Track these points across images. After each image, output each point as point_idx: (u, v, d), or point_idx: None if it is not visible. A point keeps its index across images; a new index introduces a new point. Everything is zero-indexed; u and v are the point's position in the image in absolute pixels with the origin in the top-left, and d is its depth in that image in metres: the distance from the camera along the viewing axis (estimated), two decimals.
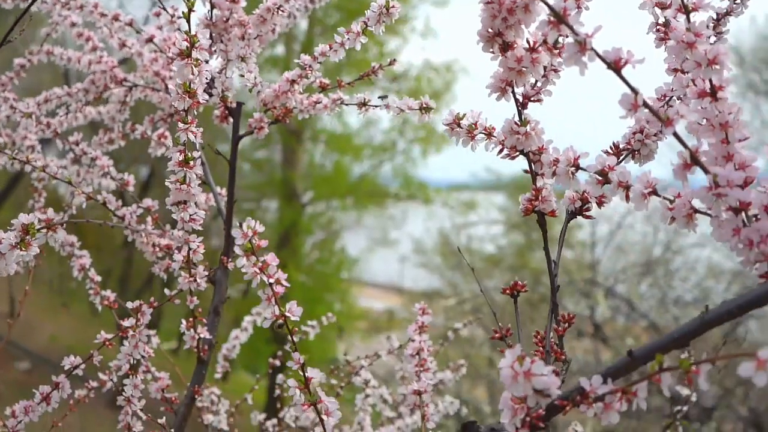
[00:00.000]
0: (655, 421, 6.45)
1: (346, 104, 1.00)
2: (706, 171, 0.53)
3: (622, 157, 0.72)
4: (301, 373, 0.67)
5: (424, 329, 1.02)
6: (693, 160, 0.54)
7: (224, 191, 1.14)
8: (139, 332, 0.93)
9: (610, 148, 0.72)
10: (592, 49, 0.52)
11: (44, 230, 0.68)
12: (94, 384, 1.18)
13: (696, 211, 0.57)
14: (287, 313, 0.66)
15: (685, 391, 1.13)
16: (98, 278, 1.13)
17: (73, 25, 1.22)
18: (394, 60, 1.04)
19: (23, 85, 1.44)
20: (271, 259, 0.65)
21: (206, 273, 0.95)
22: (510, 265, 9.37)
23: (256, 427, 1.39)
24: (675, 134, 0.53)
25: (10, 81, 1.35)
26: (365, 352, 1.49)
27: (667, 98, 0.72)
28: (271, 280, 0.65)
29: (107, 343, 0.96)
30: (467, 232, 10.06)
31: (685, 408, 1.09)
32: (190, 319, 1.00)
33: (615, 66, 0.52)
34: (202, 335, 1.01)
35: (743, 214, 0.54)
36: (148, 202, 1.08)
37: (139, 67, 1.22)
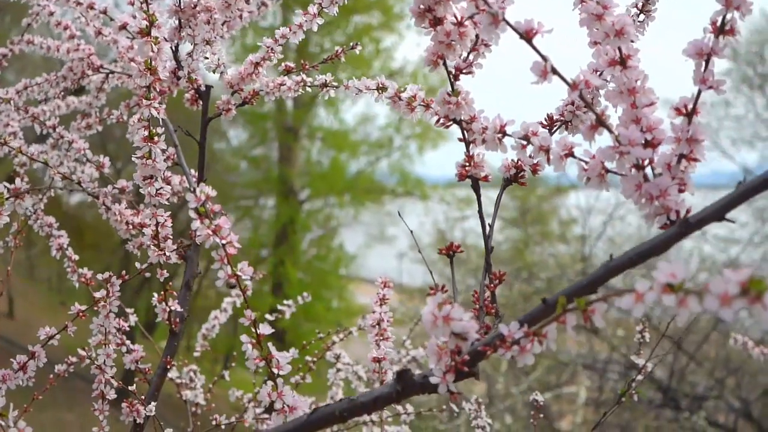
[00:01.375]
0: (647, 412, 6.51)
1: (309, 86, 1.05)
2: (610, 131, 0.58)
3: (555, 128, 0.76)
4: (253, 330, 0.72)
5: (384, 301, 1.07)
6: (599, 122, 0.58)
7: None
8: (109, 303, 0.98)
9: (545, 119, 0.76)
10: (505, 20, 0.57)
11: (12, 198, 0.73)
12: (74, 359, 1.22)
13: (607, 170, 0.61)
14: (239, 272, 0.70)
15: (640, 362, 1.18)
16: (76, 257, 1.17)
17: (51, 14, 1.27)
18: (357, 44, 1.08)
19: None
20: (224, 222, 0.70)
21: (175, 247, 1.00)
22: (506, 260, 9.43)
23: (234, 403, 1.44)
24: (581, 97, 0.58)
25: None
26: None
27: (599, 72, 0.77)
28: (224, 242, 0.70)
29: (81, 314, 1.00)
30: (462, 226, 10.10)
31: (639, 377, 1.14)
32: (162, 292, 1.04)
33: (527, 36, 0.57)
34: (173, 308, 1.05)
35: (648, 170, 0.59)
36: (122, 182, 1.13)
37: (115, 55, 1.27)
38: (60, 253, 1.19)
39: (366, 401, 0.65)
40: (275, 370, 0.71)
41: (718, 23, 0.58)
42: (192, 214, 0.69)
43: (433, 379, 0.61)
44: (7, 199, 0.71)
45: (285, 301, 1.53)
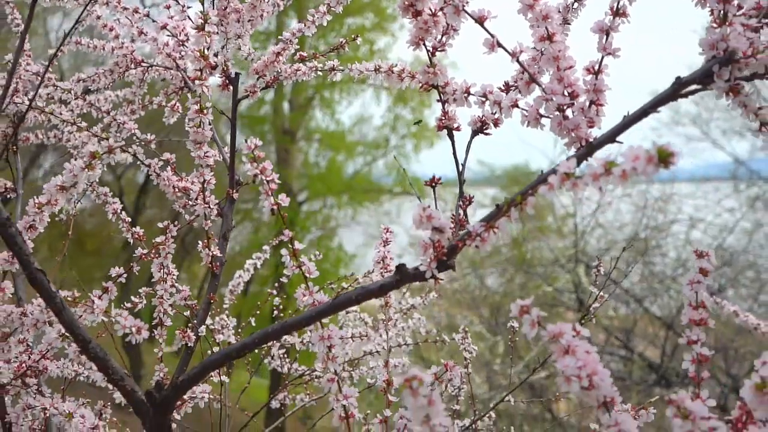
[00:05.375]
0: (641, 391, 6.75)
1: (320, 71, 1.30)
2: (540, 86, 0.83)
3: (511, 91, 1.01)
4: (290, 246, 0.96)
5: (387, 243, 1.32)
6: (531, 79, 0.83)
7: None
8: (168, 245, 1.22)
9: (503, 85, 1.01)
10: (464, 10, 0.82)
11: (106, 154, 0.97)
12: (128, 305, 1.47)
13: (541, 115, 0.86)
14: (280, 201, 0.95)
15: (594, 291, 1.42)
16: (128, 219, 1.42)
17: (99, 18, 1.51)
18: (357, 36, 1.34)
19: None
20: (268, 164, 0.95)
21: (218, 202, 1.25)
22: (505, 253, 9.66)
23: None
24: (518, 62, 0.83)
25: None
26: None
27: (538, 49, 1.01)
28: (268, 179, 0.94)
29: (143, 256, 1.25)
30: None
31: (596, 305, 1.38)
32: (205, 240, 1.29)
33: (479, 20, 0.82)
34: (214, 253, 1.30)
35: (569, 113, 0.84)
36: (167, 155, 1.38)
37: (154, 51, 1.52)
38: (115, 216, 1.43)
39: (373, 288, 0.89)
40: (307, 275, 0.96)
41: (614, 8, 0.84)
42: (244, 158, 0.94)
43: (421, 267, 0.85)
44: (102, 154, 0.96)
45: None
